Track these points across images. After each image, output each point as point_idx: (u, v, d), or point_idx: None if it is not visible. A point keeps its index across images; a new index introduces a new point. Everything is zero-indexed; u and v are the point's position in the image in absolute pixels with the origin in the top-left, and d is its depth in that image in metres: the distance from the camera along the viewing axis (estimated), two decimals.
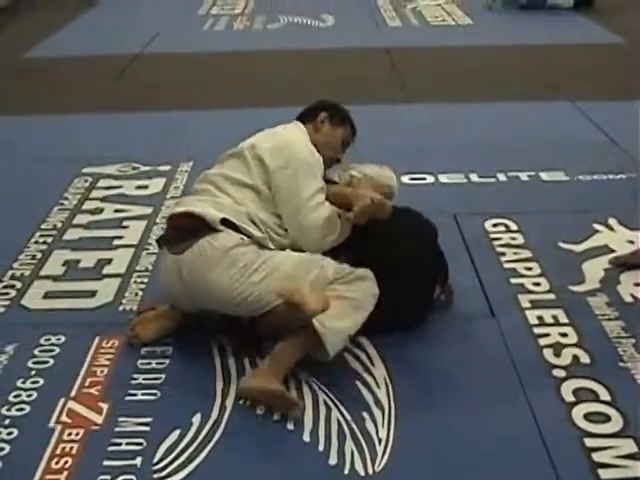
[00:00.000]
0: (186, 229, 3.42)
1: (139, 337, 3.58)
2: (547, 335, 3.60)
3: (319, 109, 3.83)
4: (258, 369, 3.32)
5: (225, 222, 3.40)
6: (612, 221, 4.57)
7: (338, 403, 3.21)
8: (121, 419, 3.13)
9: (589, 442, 2.97)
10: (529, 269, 4.13)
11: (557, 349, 3.50)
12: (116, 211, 4.90)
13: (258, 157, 3.58)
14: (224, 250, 3.33)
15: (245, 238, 3.39)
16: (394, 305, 3.50)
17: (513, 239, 4.43)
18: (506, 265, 4.18)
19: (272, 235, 3.51)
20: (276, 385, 3.15)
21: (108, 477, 2.85)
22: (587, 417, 3.09)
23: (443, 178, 5.25)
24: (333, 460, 2.93)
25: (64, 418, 3.14)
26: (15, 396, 3.27)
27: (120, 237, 4.56)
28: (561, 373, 3.35)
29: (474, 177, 5.26)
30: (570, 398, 3.20)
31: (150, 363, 3.46)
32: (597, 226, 4.52)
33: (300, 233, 3.52)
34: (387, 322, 3.51)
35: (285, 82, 7.55)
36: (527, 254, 4.27)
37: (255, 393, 3.19)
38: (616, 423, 3.06)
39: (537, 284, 3.99)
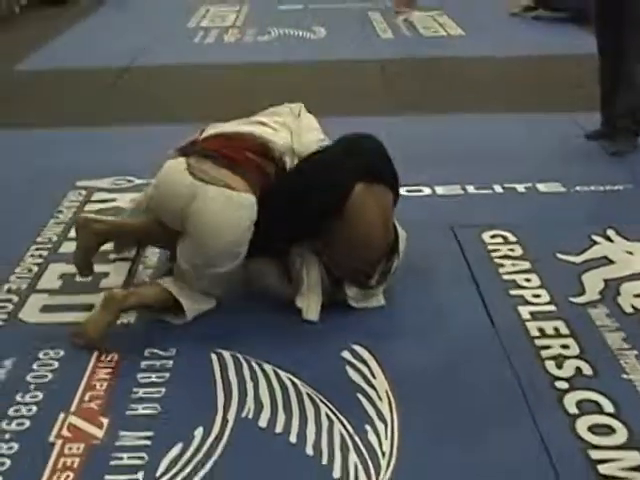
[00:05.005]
0: None
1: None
2: (549, 347, 3.58)
3: None
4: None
5: None
6: (610, 232, 4.56)
7: (340, 416, 3.18)
8: (122, 433, 3.10)
9: (594, 454, 2.95)
10: (528, 280, 4.12)
11: (559, 361, 3.48)
12: None
13: None
14: None
15: None
16: None
17: (511, 250, 4.42)
18: (505, 277, 4.16)
19: None
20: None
21: None
22: (591, 429, 3.08)
23: (439, 190, 5.23)
24: (337, 473, 2.91)
25: (65, 432, 3.11)
26: (15, 410, 3.24)
27: None
28: (564, 385, 3.33)
29: (470, 189, 5.25)
30: (573, 410, 3.18)
31: (150, 377, 3.43)
32: (595, 237, 4.51)
33: None
34: None
35: (277, 94, 7.47)
36: (526, 265, 4.26)
37: None
38: (621, 435, 3.04)
39: (537, 296, 3.98)
